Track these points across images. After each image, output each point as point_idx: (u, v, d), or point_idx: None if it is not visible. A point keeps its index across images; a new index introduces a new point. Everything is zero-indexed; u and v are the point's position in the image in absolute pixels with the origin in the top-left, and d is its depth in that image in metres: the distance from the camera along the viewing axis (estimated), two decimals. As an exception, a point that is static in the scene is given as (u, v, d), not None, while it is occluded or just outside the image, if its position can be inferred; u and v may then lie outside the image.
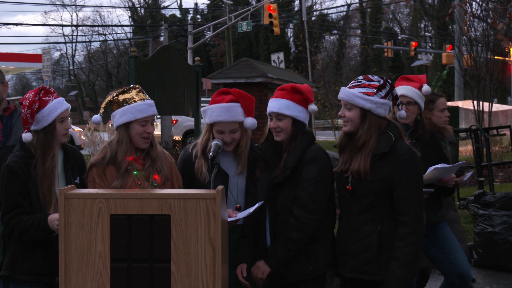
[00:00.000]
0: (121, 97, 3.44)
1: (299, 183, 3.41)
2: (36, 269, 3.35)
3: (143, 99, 3.44)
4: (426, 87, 4.42)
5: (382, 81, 3.35)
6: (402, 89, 4.36)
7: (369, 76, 3.40)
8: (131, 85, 3.55)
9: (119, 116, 3.42)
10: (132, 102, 3.41)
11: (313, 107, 3.56)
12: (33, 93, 3.38)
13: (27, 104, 3.33)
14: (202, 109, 3.73)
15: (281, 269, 3.42)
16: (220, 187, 2.69)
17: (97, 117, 3.63)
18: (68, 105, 3.48)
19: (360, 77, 3.41)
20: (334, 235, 3.59)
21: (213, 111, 3.57)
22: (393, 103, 3.45)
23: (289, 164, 3.43)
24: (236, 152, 3.60)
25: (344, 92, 3.38)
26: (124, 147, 3.41)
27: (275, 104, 3.52)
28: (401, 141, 3.34)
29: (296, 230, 3.37)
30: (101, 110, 3.57)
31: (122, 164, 3.39)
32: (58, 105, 3.41)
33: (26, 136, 3.34)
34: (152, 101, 3.50)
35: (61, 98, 3.47)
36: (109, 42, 58.98)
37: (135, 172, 3.41)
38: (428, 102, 4.43)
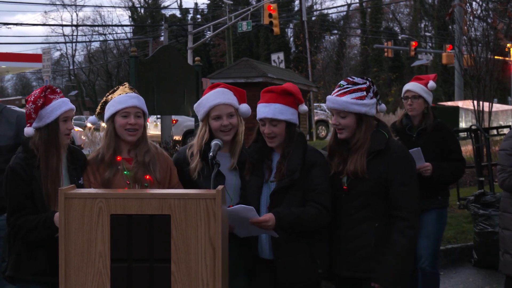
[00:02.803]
0: (111, 96, 3.52)
1: (308, 187, 3.39)
2: (41, 269, 3.34)
3: (126, 93, 3.48)
4: (431, 83, 4.82)
5: (368, 82, 3.39)
6: (408, 85, 4.81)
7: (351, 79, 3.40)
8: (121, 84, 3.60)
9: (106, 112, 3.49)
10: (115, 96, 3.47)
11: (303, 107, 3.53)
12: (39, 90, 3.40)
13: (32, 99, 3.35)
14: (195, 105, 3.71)
15: (280, 229, 3.31)
16: (220, 187, 2.69)
17: (93, 118, 3.68)
18: (72, 106, 3.48)
19: (343, 82, 3.40)
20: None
21: (207, 99, 3.57)
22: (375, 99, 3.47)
23: (296, 167, 3.39)
24: (231, 150, 3.59)
25: (335, 102, 3.37)
26: (108, 139, 3.44)
27: (268, 110, 3.43)
28: (392, 139, 3.40)
29: (316, 217, 3.33)
30: (97, 111, 3.61)
31: (107, 157, 3.41)
32: (62, 104, 3.41)
33: (28, 130, 3.35)
34: (134, 94, 3.50)
35: (66, 98, 3.48)
36: (109, 42, 58.97)
37: (125, 172, 3.42)
38: None
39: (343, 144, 3.42)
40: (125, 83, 3.62)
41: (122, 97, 3.46)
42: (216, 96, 3.56)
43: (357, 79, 3.40)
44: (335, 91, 3.42)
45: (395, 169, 3.29)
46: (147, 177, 3.44)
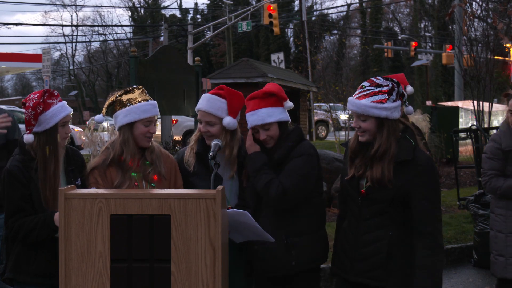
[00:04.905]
0: (125, 98, 3.47)
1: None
2: (41, 271, 3.32)
3: (147, 100, 3.47)
4: (409, 88, 4.67)
5: (390, 84, 3.23)
6: None
7: (375, 80, 3.25)
8: (134, 86, 3.57)
9: (123, 116, 3.43)
10: (136, 103, 3.43)
11: (288, 104, 3.52)
12: (37, 94, 3.36)
13: (31, 105, 3.32)
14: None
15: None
16: (220, 187, 2.69)
17: (100, 117, 3.66)
18: (70, 110, 3.47)
19: (366, 84, 3.25)
20: (324, 232, 3.57)
21: (199, 101, 3.66)
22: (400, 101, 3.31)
23: (278, 158, 3.43)
24: (227, 160, 3.59)
25: (355, 105, 3.22)
26: (131, 147, 3.42)
27: (256, 117, 3.44)
28: (418, 148, 3.27)
29: (269, 183, 3.35)
30: (104, 110, 3.59)
31: (129, 165, 3.40)
32: (61, 109, 3.40)
33: (28, 137, 3.33)
34: (155, 102, 3.52)
35: (64, 102, 3.46)
36: (109, 42, 58.99)
37: (132, 174, 3.42)
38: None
39: (366, 147, 3.29)
40: (140, 86, 3.56)
41: (146, 106, 3.44)
42: (201, 101, 3.62)
43: (380, 81, 3.24)
44: (356, 92, 3.28)
45: (420, 182, 3.17)
46: (155, 177, 3.46)
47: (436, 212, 3.22)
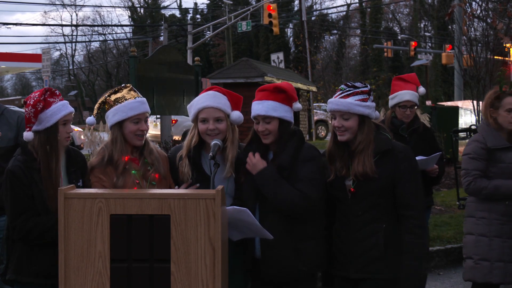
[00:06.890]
0: (113, 97, 3.48)
1: (296, 179, 3.38)
2: (43, 271, 3.30)
3: (134, 97, 3.46)
4: (422, 89, 5.15)
5: (368, 86, 3.43)
6: (407, 95, 4.96)
7: (351, 83, 3.42)
8: (122, 85, 3.57)
9: (112, 116, 3.44)
10: (124, 101, 3.43)
11: (297, 105, 3.53)
12: (38, 93, 3.35)
13: (31, 103, 3.30)
14: (188, 106, 3.67)
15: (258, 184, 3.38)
16: (219, 186, 2.69)
17: (91, 119, 3.65)
18: (72, 109, 3.45)
19: (344, 86, 3.41)
20: (324, 236, 3.57)
21: (198, 101, 3.57)
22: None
23: (286, 165, 3.39)
24: (224, 154, 3.56)
25: (340, 103, 3.35)
26: (119, 146, 3.42)
27: (261, 107, 3.44)
28: (393, 141, 3.45)
29: (299, 200, 3.31)
30: (95, 112, 3.60)
31: (119, 163, 3.39)
32: (62, 108, 3.38)
33: (28, 135, 3.32)
34: (144, 99, 3.50)
35: (66, 101, 3.44)
36: (109, 42, 58.97)
37: (133, 172, 3.42)
38: (494, 100, 4.43)
39: (343, 147, 3.41)
40: (128, 84, 3.57)
41: (133, 103, 3.43)
42: (205, 99, 3.54)
43: (356, 83, 3.42)
44: (336, 94, 3.42)
45: (403, 168, 3.32)
46: (156, 175, 3.46)
47: (418, 196, 3.36)
